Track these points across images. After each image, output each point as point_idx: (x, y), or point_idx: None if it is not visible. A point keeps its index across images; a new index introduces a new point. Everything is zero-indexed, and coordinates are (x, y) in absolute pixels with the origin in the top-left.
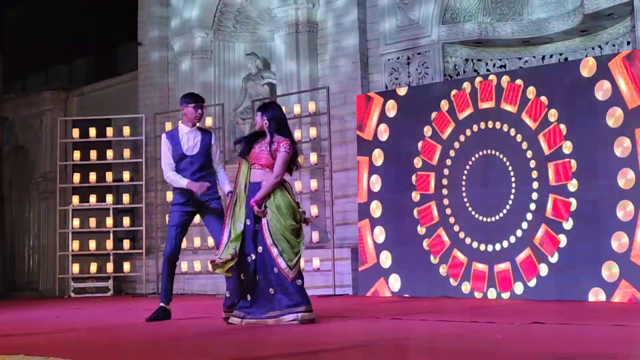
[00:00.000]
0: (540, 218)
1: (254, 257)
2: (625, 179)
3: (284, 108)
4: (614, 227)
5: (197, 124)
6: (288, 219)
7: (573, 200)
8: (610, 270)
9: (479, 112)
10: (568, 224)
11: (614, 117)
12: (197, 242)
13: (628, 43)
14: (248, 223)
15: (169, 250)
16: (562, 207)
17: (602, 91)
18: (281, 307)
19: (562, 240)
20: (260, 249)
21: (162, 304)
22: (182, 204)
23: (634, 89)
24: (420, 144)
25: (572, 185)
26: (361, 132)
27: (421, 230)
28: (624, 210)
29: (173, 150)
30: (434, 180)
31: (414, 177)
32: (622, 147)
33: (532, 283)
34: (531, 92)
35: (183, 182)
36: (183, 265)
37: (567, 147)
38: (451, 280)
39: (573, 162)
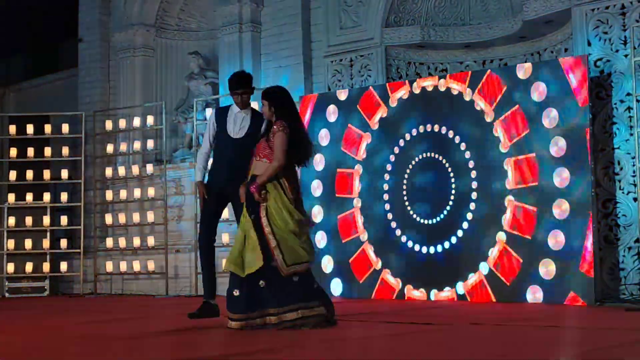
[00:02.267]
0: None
1: None
2: (560, 177)
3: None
4: (551, 226)
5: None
6: (283, 222)
7: (511, 198)
8: (547, 268)
9: (420, 113)
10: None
11: (549, 118)
12: (136, 242)
13: (565, 50)
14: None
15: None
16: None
17: (537, 92)
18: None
19: (502, 238)
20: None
21: (204, 300)
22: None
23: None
24: (359, 146)
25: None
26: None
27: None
28: (560, 209)
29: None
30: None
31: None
32: (557, 146)
33: (471, 284)
34: (467, 94)
35: (197, 174)
36: (122, 265)
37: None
38: (394, 283)
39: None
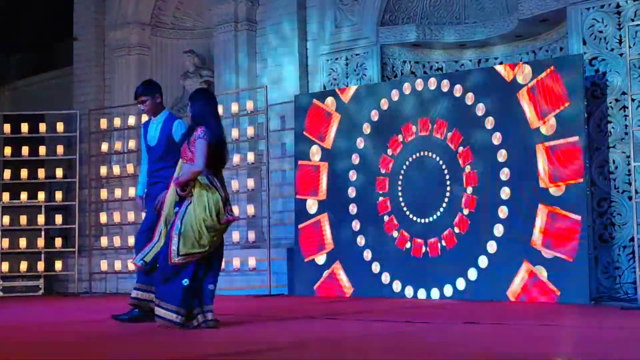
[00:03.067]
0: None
1: None
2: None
3: (220, 107)
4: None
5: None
6: (202, 213)
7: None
8: (538, 273)
9: (415, 117)
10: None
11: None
12: (131, 240)
13: (561, 49)
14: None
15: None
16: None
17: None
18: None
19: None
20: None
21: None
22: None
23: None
24: (360, 146)
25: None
26: (305, 132)
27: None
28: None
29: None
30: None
31: (352, 175)
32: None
33: (465, 283)
34: (462, 93)
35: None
36: (117, 264)
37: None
38: (382, 278)
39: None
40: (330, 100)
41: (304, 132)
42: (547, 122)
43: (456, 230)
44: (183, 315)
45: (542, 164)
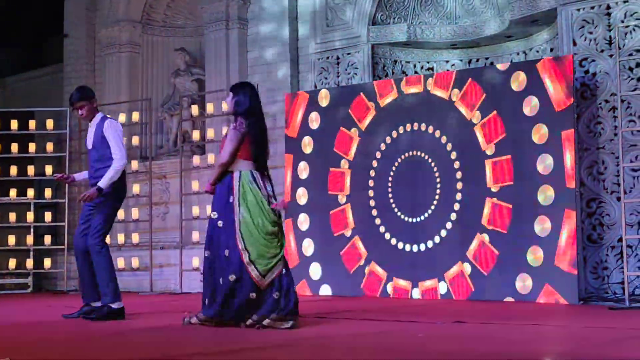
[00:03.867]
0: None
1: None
2: (544, 194)
3: (211, 105)
4: (532, 239)
5: (96, 116)
6: (259, 218)
7: (494, 200)
8: (534, 255)
9: (407, 111)
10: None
11: (539, 134)
12: (121, 238)
13: (551, 49)
14: (213, 216)
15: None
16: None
17: (529, 107)
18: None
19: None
20: (227, 251)
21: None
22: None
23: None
24: (346, 143)
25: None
26: (287, 130)
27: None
28: (542, 226)
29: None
30: (349, 181)
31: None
32: (543, 164)
33: (453, 281)
34: (453, 93)
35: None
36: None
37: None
38: (378, 281)
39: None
40: (324, 92)
41: (289, 130)
42: (540, 132)
43: (446, 230)
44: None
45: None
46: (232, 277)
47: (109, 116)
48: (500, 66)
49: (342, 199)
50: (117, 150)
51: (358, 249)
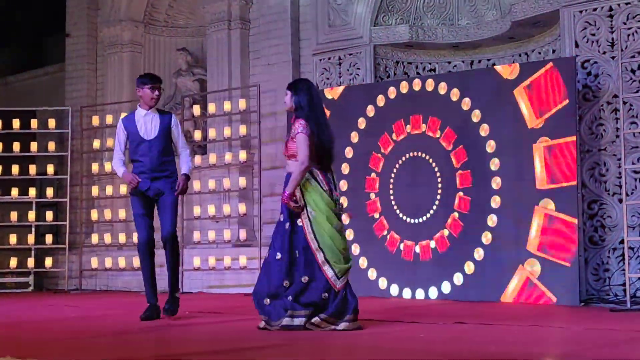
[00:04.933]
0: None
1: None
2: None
3: (212, 105)
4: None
5: (155, 106)
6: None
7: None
8: (529, 273)
9: (407, 116)
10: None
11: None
12: (122, 238)
13: (553, 51)
14: (281, 219)
15: (139, 239)
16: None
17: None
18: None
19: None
20: (296, 252)
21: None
22: (143, 192)
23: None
24: (351, 144)
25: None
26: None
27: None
28: (545, 209)
29: (131, 135)
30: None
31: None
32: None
33: (457, 283)
34: (455, 94)
35: (119, 171)
36: (107, 261)
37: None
38: (379, 283)
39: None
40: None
41: None
42: (541, 124)
43: (448, 231)
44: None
45: (538, 165)
46: (304, 279)
47: (163, 110)
48: (500, 67)
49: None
50: (185, 145)
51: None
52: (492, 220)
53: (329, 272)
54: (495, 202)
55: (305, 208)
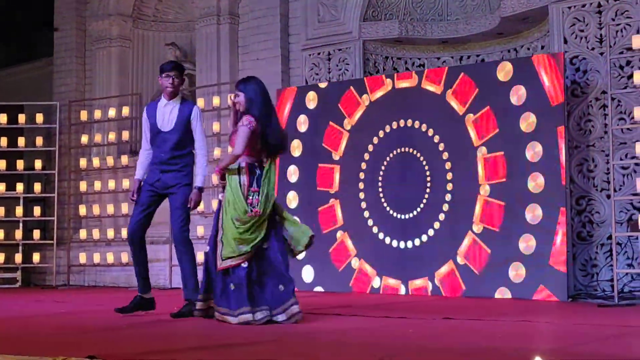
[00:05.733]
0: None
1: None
2: (534, 182)
3: (201, 100)
4: (523, 229)
5: (179, 96)
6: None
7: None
8: (517, 271)
9: (397, 104)
10: (477, 228)
11: (527, 122)
12: (110, 233)
13: (542, 47)
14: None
15: (128, 230)
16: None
17: (516, 96)
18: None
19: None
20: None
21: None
22: (151, 183)
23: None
24: (335, 139)
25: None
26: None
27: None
28: (532, 214)
29: (150, 125)
30: (339, 176)
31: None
32: (533, 151)
33: (444, 279)
34: (440, 86)
35: (137, 171)
36: (95, 257)
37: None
38: (361, 271)
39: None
40: (311, 94)
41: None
42: (528, 120)
43: (436, 226)
44: (235, 317)
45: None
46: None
47: (188, 99)
48: (498, 72)
49: (330, 195)
50: (203, 144)
51: (347, 246)
52: (480, 216)
53: (219, 249)
54: (484, 198)
55: (225, 193)
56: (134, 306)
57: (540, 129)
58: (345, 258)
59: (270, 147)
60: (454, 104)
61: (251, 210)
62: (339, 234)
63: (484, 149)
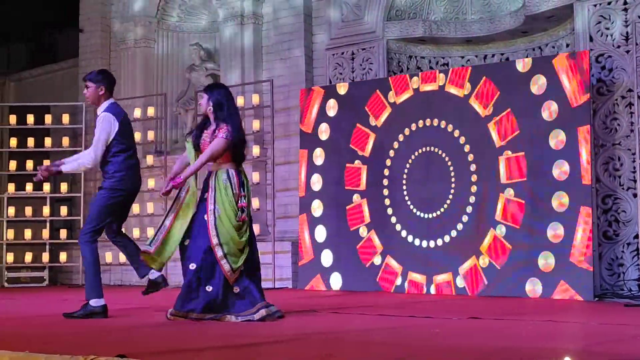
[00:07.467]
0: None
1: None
2: (558, 201)
3: None
4: (544, 245)
5: (100, 105)
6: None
7: (510, 191)
8: (546, 260)
9: (422, 106)
10: (500, 225)
11: (549, 110)
12: (136, 232)
13: (567, 45)
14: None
15: None
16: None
17: (537, 85)
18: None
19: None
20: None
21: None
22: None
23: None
24: (362, 139)
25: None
26: (302, 125)
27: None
28: (558, 201)
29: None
30: (366, 176)
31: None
32: (556, 139)
33: (471, 278)
34: (465, 84)
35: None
36: (121, 256)
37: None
38: (388, 270)
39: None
40: (332, 102)
41: (304, 126)
42: (550, 108)
43: (461, 226)
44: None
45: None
46: (192, 266)
47: (115, 106)
48: (517, 63)
49: (357, 195)
50: (91, 147)
51: (374, 243)
52: (503, 214)
53: (225, 266)
54: (506, 196)
55: (215, 206)
56: (147, 288)
57: (567, 146)
58: (372, 255)
59: (241, 154)
60: (476, 106)
61: (241, 215)
62: (367, 231)
63: (506, 151)
